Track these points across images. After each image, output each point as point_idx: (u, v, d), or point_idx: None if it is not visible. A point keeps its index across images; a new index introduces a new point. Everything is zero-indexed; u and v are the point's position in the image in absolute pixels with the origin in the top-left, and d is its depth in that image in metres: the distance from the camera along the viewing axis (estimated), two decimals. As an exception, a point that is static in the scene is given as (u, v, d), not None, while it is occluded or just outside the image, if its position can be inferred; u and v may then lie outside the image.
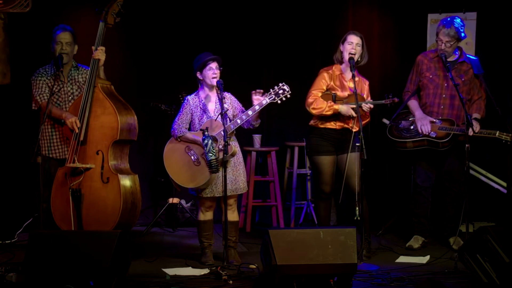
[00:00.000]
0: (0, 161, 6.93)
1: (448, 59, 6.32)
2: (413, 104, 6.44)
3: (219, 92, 5.72)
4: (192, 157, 5.76)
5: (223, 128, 5.59)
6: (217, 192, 5.80)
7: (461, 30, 6.25)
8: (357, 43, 5.98)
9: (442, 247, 6.44)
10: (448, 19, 6.27)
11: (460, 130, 6.17)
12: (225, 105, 5.70)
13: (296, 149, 7.33)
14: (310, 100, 6.00)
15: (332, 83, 6.03)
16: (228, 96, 5.93)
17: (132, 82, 7.35)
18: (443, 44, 6.26)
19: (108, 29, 5.90)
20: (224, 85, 5.72)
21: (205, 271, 5.56)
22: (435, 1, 7.40)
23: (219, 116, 5.69)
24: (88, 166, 5.72)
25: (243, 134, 7.25)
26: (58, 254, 4.81)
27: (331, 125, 6.01)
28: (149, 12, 7.35)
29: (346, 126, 6.00)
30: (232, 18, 7.52)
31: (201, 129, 5.68)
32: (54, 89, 5.92)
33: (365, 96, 6.08)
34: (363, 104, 5.92)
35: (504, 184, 7.06)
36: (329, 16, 7.57)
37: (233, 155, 5.79)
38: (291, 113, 7.51)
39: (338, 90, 6.02)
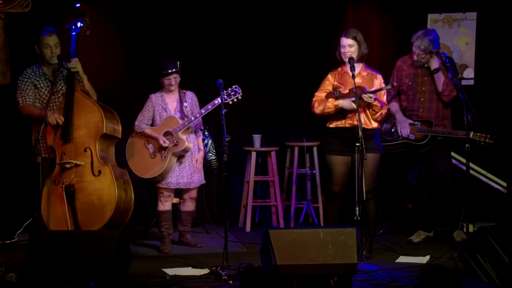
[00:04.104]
0: (0, 161, 6.92)
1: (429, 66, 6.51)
2: (394, 107, 6.60)
3: (181, 94, 6.19)
4: (149, 150, 6.21)
5: (180, 124, 6.11)
6: (172, 184, 6.20)
7: (434, 44, 6.37)
8: (349, 45, 5.99)
9: (442, 246, 6.42)
10: (423, 32, 6.41)
11: (437, 131, 6.36)
12: (185, 104, 6.14)
13: (296, 149, 7.32)
14: (313, 101, 6.04)
15: (336, 82, 6.05)
16: (190, 96, 6.28)
17: (132, 82, 7.35)
18: (415, 56, 6.45)
19: (86, 37, 6.12)
20: (223, 85, 5.78)
21: (205, 271, 5.56)
22: (435, 1, 7.40)
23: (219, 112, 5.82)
24: (77, 162, 5.79)
25: (243, 134, 7.26)
26: (58, 254, 4.81)
27: (341, 123, 5.99)
28: (149, 13, 7.33)
29: (356, 123, 5.92)
30: (232, 17, 7.50)
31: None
32: (53, 90, 5.97)
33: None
34: (363, 95, 5.90)
35: (504, 184, 7.07)
36: (329, 16, 7.56)
37: (186, 150, 6.14)
38: (291, 113, 7.50)
39: (341, 87, 6.03)
